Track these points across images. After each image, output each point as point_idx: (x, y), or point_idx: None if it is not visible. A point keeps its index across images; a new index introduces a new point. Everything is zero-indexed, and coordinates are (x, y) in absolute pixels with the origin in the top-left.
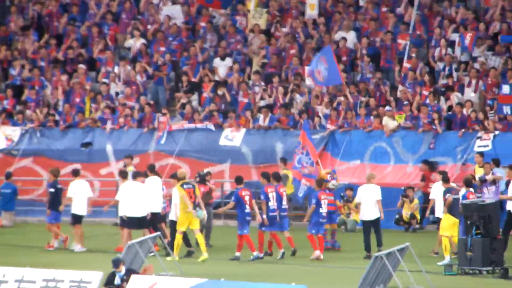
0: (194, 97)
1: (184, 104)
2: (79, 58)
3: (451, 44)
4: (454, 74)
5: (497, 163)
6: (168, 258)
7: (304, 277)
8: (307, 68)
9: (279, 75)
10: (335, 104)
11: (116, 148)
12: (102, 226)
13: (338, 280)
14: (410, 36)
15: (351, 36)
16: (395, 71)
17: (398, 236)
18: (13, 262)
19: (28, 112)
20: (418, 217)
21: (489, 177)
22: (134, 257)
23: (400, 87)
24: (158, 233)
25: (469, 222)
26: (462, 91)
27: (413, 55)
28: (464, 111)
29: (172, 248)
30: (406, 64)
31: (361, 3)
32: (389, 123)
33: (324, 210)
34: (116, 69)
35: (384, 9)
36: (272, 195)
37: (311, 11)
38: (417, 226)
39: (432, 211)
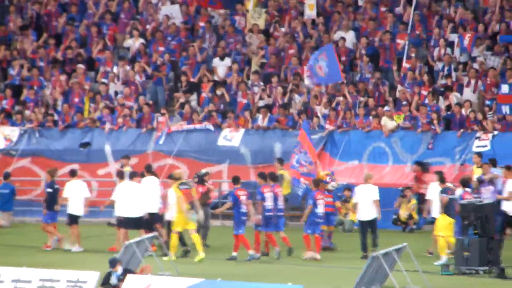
0: (193, 97)
1: (183, 104)
2: (78, 58)
3: (450, 44)
4: (453, 74)
5: (494, 163)
6: (165, 258)
7: (300, 277)
8: (307, 65)
9: (278, 75)
10: (334, 104)
11: (114, 148)
12: (100, 227)
13: (335, 280)
14: (409, 36)
15: (350, 36)
16: (394, 71)
17: (395, 236)
18: (10, 262)
19: (27, 112)
20: (416, 217)
21: (486, 176)
22: (131, 257)
23: (399, 87)
24: (156, 233)
25: (466, 222)
26: (461, 91)
27: (412, 55)
28: (463, 111)
29: (168, 248)
30: (405, 64)
31: (360, 3)
32: (388, 123)
33: (320, 210)
34: (115, 69)
35: (383, 9)
36: (268, 195)
37: (310, 11)
38: (414, 226)
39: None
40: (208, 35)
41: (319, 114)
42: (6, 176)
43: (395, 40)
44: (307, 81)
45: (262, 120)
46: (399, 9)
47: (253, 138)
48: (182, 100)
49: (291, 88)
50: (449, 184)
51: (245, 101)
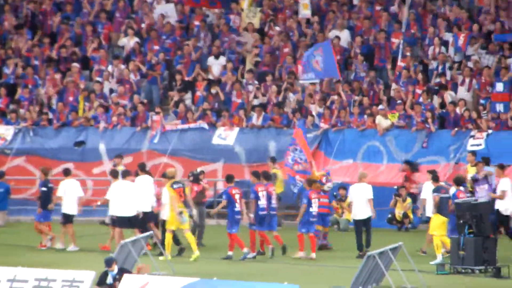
0: (188, 96)
1: (177, 103)
2: (72, 57)
3: (445, 43)
4: (448, 72)
5: (487, 161)
6: (161, 258)
7: (296, 276)
8: (302, 60)
9: (272, 74)
10: (328, 103)
11: (109, 147)
12: (94, 226)
13: (331, 279)
14: (403, 34)
15: (344, 35)
16: (388, 69)
17: (391, 235)
18: (5, 262)
19: (21, 110)
20: (411, 216)
21: (481, 173)
22: (126, 256)
23: (394, 86)
24: (151, 232)
25: (461, 221)
26: (455, 90)
27: (407, 53)
28: (458, 109)
29: (164, 247)
30: (400, 63)
31: (355, 1)
32: (382, 122)
33: (314, 209)
34: (109, 68)
35: (377, 7)
36: (262, 194)
37: (305, 10)
38: (410, 225)
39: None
40: (203, 34)
41: (313, 113)
42: (1, 175)
43: (390, 39)
44: (302, 77)
45: (256, 118)
46: (394, 8)
47: (247, 137)
48: (176, 98)
49: (285, 86)
50: (442, 183)
51: (239, 100)
